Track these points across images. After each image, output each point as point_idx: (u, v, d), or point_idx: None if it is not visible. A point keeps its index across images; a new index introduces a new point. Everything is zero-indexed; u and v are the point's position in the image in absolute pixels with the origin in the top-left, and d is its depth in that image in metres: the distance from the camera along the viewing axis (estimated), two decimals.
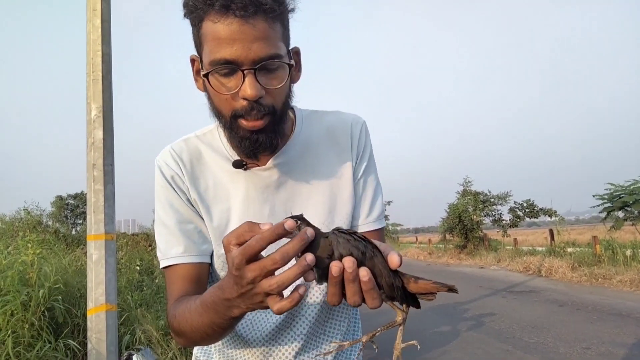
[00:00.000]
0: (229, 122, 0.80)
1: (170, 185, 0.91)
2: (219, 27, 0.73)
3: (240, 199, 0.90)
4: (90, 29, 3.77)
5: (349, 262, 0.60)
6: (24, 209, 14.77)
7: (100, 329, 3.59)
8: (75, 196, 26.08)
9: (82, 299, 4.21)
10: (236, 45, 0.72)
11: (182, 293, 0.85)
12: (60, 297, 3.97)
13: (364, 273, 0.60)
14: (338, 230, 0.64)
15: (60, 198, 26.08)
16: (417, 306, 0.66)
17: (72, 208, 26.13)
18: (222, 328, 0.73)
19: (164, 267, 0.89)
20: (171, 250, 0.88)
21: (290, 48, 0.83)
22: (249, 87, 0.74)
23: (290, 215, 0.61)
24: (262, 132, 0.80)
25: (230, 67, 0.74)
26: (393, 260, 0.62)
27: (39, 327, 3.67)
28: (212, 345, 0.98)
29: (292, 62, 0.81)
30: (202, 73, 0.78)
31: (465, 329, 5.92)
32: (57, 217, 24.43)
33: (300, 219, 0.62)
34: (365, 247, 0.63)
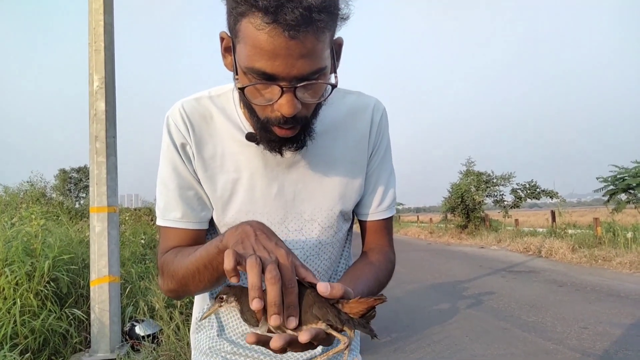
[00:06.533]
0: (260, 124, 0.77)
1: (176, 149, 0.87)
2: (261, 36, 0.64)
3: (249, 173, 0.87)
4: None
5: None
6: (27, 182, 14.85)
7: (103, 299, 3.65)
8: (79, 170, 26.18)
9: (86, 270, 4.26)
10: (279, 60, 0.66)
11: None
12: (64, 268, 4.02)
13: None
14: None
15: (63, 171, 26.18)
16: (370, 333, 0.64)
17: (75, 181, 26.27)
18: (205, 275, 0.75)
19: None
20: (170, 214, 0.88)
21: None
22: (286, 105, 0.70)
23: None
24: (293, 138, 0.78)
25: (268, 80, 0.69)
26: (320, 288, 0.62)
27: (44, 297, 3.73)
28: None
29: (336, 80, 0.75)
30: (235, 75, 0.73)
31: (465, 307, 5.99)
32: (61, 190, 24.57)
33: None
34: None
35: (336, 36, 0.75)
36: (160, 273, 0.86)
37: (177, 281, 0.81)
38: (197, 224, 0.89)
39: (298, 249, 0.90)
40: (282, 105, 0.70)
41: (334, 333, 0.63)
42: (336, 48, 0.76)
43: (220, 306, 0.71)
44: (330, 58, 0.73)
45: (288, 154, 0.84)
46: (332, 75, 0.76)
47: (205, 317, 0.72)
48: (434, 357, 3.99)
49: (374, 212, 0.96)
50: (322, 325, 0.63)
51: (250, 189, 0.88)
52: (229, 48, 0.75)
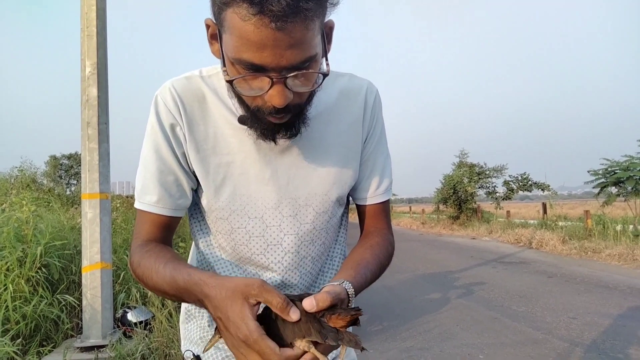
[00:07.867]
0: (251, 113, 0.75)
1: (162, 130, 0.84)
2: (247, 27, 0.62)
3: (242, 156, 0.85)
4: None
5: None
6: (17, 167, 14.68)
7: (95, 286, 3.63)
8: (70, 156, 25.94)
9: (78, 256, 4.24)
10: (267, 51, 0.63)
11: (150, 236, 0.86)
12: (56, 254, 4.00)
13: None
14: None
15: (54, 158, 25.93)
16: (356, 347, 0.63)
17: (66, 168, 26.03)
18: (182, 302, 0.76)
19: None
20: (145, 197, 0.86)
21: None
22: (277, 97, 0.68)
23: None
24: (286, 125, 0.76)
25: (256, 71, 0.66)
26: (305, 306, 0.64)
27: (36, 283, 3.71)
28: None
29: (328, 67, 0.72)
30: (223, 65, 0.70)
31: (455, 297, 6.04)
32: (52, 177, 24.36)
33: None
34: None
35: (327, 19, 0.72)
36: (133, 263, 0.83)
37: (153, 289, 0.80)
38: (172, 210, 0.86)
39: (292, 234, 0.89)
40: (272, 96, 0.68)
41: (317, 354, 0.63)
42: (327, 31, 0.74)
43: (221, 337, 0.70)
44: (321, 43, 0.70)
45: (281, 142, 0.83)
46: (323, 60, 0.73)
47: (207, 350, 0.72)
48: (425, 346, 4.03)
49: (372, 196, 0.96)
50: (305, 347, 0.63)
51: (244, 172, 0.86)
52: (215, 35, 0.72)
